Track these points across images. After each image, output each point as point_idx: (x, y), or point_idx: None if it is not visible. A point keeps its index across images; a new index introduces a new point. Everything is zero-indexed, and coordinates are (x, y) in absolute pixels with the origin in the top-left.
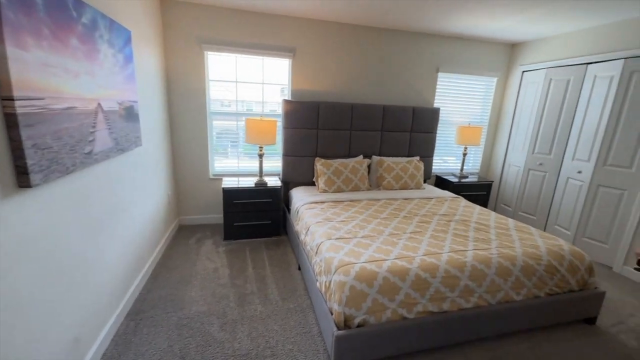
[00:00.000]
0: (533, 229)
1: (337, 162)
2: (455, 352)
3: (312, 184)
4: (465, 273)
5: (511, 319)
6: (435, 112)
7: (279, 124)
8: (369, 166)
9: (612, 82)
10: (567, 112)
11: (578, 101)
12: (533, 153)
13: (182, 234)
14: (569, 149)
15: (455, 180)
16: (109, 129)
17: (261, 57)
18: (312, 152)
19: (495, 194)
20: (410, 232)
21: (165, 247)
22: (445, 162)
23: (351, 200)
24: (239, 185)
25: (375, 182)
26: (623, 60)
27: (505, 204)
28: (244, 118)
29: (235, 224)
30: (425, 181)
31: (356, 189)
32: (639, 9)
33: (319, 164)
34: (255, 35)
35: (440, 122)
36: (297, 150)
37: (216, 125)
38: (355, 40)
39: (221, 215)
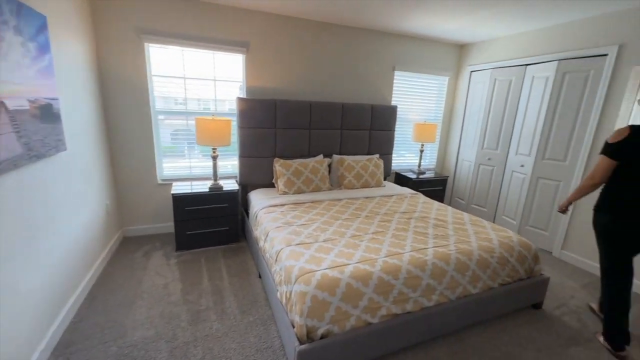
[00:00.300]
0: (486, 222)
1: (296, 163)
2: (418, 351)
3: (272, 185)
4: (427, 272)
5: (469, 312)
6: (393, 109)
7: (235, 123)
8: (329, 165)
9: (547, 82)
10: (510, 110)
11: (519, 100)
12: (482, 149)
13: (127, 247)
14: (512, 144)
15: (414, 176)
16: (17, 132)
17: (212, 52)
18: (271, 152)
19: (451, 188)
20: (372, 233)
21: (105, 264)
22: (404, 159)
23: (312, 202)
24: (192, 191)
25: (336, 182)
26: (557, 62)
27: (459, 198)
28: (194, 117)
29: (188, 232)
30: (385, 178)
31: (317, 189)
32: (568, 14)
33: (278, 165)
34: (204, 28)
35: (398, 119)
36: (254, 151)
37: (170, 124)
38: (312, 36)
39: (173, 224)
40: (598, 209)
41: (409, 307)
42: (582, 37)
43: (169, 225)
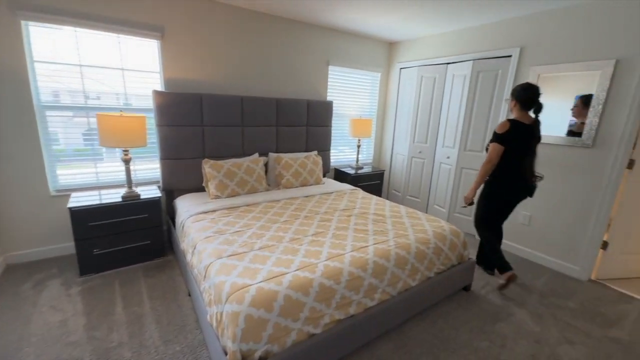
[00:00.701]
0: (420, 214)
1: (229, 163)
2: (363, 353)
3: (203, 189)
4: (368, 271)
5: (410, 305)
6: (329, 105)
7: (152, 120)
8: (266, 165)
9: (465, 80)
10: (435, 106)
11: (443, 96)
12: (413, 142)
13: (12, 277)
14: (439, 137)
15: (352, 172)
16: None
17: (116, 35)
18: (199, 152)
19: (387, 182)
20: (312, 235)
21: None
22: (342, 154)
23: (248, 205)
24: (99, 202)
25: (274, 181)
26: (472, 61)
27: (395, 190)
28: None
29: (96, 252)
30: (325, 175)
31: (253, 190)
32: (477, 18)
33: (207, 167)
34: (106, 5)
35: (334, 115)
36: (179, 152)
37: (79, 122)
38: (242, 26)
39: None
40: (493, 183)
41: (352, 310)
42: (491, 40)
43: (70, 246)
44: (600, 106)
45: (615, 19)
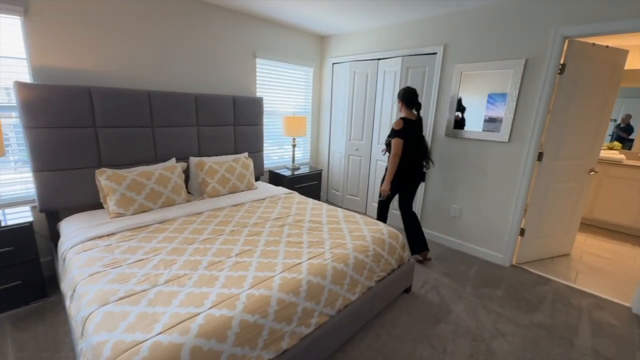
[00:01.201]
0: (358, 217)
1: (134, 172)
2: None
3: (102, 206)
4: (302, 294)
5: (352, 322)
6: (259, 102)
7: (14, 121)
8: (187, 171)
9: (395, 76)
10: (369, 102)
11: (376, 92)
12: (350, 140)
13: None
14: (375, 134)
15: (288, 173)
16: None
17: None
18: (92, 160)
19: (326, 181)
20: (237, 255)
21: None
22: (277, 155)
23: (161, 222)
24: None
25: (197, 190)
26: (401, 57)
27: (334, 189)
28: None
29: None
30: (258, 179)
31: (169, 203)
32: (406, 14)
33: (104, 178)
34: None
35: (266, 113)
36: (61, 161)
37: None
38: (149, 6)
39: None
40: (398, 173)
41: (285, 344)
42: (418, 36)
43: None
44: (514, 103)
45: (524, 19)
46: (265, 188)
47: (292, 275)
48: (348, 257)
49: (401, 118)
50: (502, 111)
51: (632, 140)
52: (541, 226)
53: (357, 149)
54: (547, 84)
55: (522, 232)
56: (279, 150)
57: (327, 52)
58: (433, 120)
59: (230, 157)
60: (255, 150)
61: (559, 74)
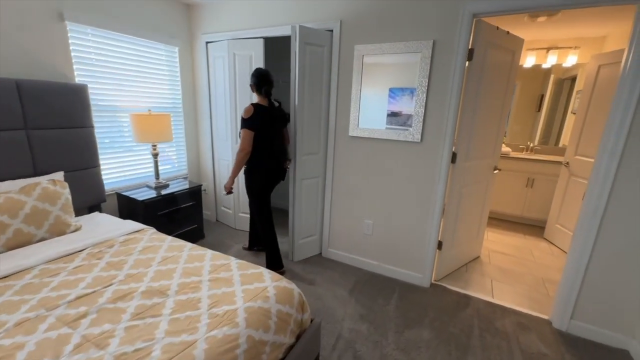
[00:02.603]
0: (235, 265)
1: None
2: None
3: None
4: None
5: None
6: (79, 91)
7: None
8: None
9: (295, 58)
10: None
11: None
12: (236, 143)
13: None
14: None
15: (148, 195)
16: None
17: None
18: None
19: (214, 198)
20: None
21: None
22: (134, 169)
23: None
24: None
25: None
26: (296, 34)
27: (225, 207)
28: None
29: None
30: (93, 210)
31: None
32: None
33: None
34: None
35: (100, 108)
36: None
37: None
38: None
39: None
40: (249, 173)
41: None
42: (313, 9)
43: None
44: (424, 95)
45: None
46: (94, 227)
47: None
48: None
49: (252, 104)
50: (410, 106)
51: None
52: (456, 235)
53: None
54: (458, 72)
55: (439, 245)
56: (137, 163)
57: (198, 27)
58: (335, 114)
59: (19, 183)
60: (84, 166)
61: (468, 60)
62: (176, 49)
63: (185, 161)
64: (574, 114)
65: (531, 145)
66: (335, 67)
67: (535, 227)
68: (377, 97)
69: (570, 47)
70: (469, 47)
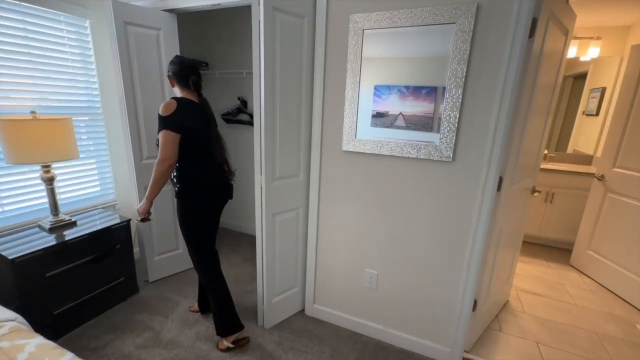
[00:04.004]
0: None
1: None
2: None
3: None
4: None
5: None
6: None
7: None
8: None
9: (259, 32)
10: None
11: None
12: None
13: None
14: None
15: (39, 243)
16: None
17: None
18: None
19: (150, 236)
20: None
21: None
22: (17, 199)
23: None
24: None
25: None
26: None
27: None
28: None
29: None
30: None
31: None
32: None
33: None
34: None
35: None
36: None
37: None
38: None
39: None
40: (183, 194)
41: None
42: None
43: None
44: (460, 90)
45: None
46: None
47: None
48: None
49: (174, 98)
50: (434, 107)
51: None
52: (492, 284)
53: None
54: (516, 54)
55: (474, 305)
56: (25, 191)
57: None
58: (321, 119)
59: None
60: None
61: (529, 37)
62: (87, 23)
63: (111, 182)
64: (587, 115)
65: (546, 152)
66: (321, 48)
67: (557, 250)
68: (384, 93)
69: (592, 38)
70: (533, 17)
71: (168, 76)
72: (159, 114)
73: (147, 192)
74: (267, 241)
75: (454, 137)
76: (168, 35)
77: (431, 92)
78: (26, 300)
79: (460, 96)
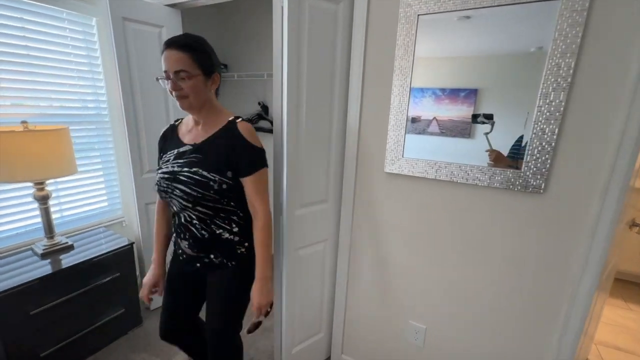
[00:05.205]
0: None
1: None
2: None
3: None
4: None
5: None
6: None
7: None
8: None
9: (283, 19)
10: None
11: None
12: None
13: None
14: None
15: (27, 273)
16: None
17: None
18: None
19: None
20: None
21: None
22: (8, 218)
23: None
24: None
25: None
26: None
27: None
28: None
29: None
30: None
31: None
32: None
33: None
34: None
35: None
36: None
37: None
38: None
39: None
40: (250, 256)
41: None
42: None
43: None
44: (561, 95)
45: None
46: None
47: None
48: None
49: (241, 118)
50: (518, 117)
51: None
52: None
53: None
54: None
55: None
56: (17, 209)
57: None
58: (358, 132)
59: None
60: None
61: None
62: (93, 21)
63: (118, 197)
64: None
65: None
66: (361, 41)
67: (636, 287)
68: (444, 99)
69: None
70: None
71: (214, 72)
72: (250, 144)
73: (263, 272)
74: (289, 279)
75: (549, 162)
76: (171, 33)
77: (515, 98)
78: (8, 342)
79: (563, 103)
